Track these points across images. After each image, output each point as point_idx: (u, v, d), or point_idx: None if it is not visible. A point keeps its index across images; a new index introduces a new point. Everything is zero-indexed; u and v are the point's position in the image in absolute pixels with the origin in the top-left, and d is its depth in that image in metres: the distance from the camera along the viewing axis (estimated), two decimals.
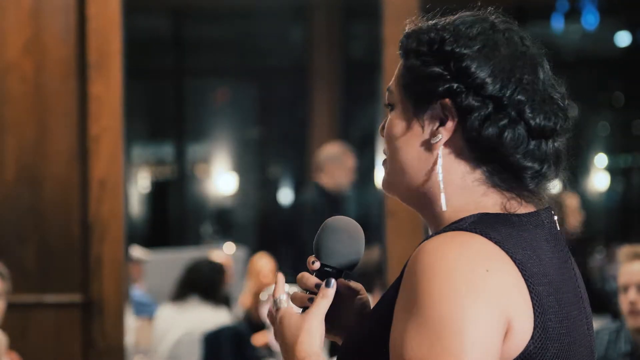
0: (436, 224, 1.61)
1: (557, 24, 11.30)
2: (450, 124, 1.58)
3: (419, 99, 1.60)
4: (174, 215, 12.65)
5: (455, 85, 1.57)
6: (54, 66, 4.76)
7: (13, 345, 4.43)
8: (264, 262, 6.78)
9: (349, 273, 1.71)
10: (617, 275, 4.14)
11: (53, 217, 4.74)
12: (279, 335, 1.64)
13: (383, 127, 1.67)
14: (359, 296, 1.72)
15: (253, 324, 6.22)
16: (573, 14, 11.18)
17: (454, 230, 1.51)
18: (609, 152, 12.62)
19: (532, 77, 1.60)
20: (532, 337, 1.47)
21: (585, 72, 11.92)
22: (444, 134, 1.58)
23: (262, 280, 6.58)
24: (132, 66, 5.04)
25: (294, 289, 4.39)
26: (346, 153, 7.08)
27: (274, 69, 12.18)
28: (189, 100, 12.45)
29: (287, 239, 7.39)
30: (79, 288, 4.70)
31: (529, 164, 1.59)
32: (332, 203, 6.89)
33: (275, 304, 1.66)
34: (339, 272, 1.68)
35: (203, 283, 6.48)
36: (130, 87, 4.91)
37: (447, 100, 1.58)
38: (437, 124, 1.59)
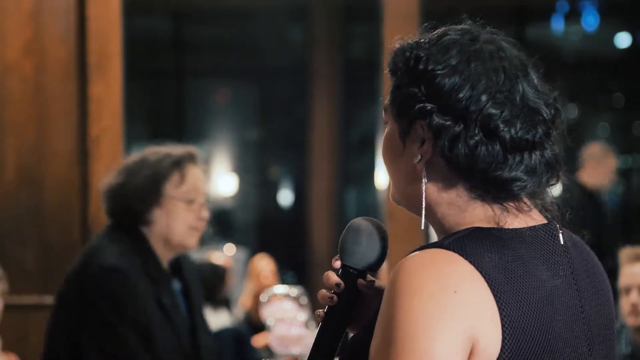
0: (440, 235, 1.64)
1: (558, 25, 11.30)
2: (427, 145, 1.60)
3: (402, 119, 1.63)
4: None
5: (428, 106, 1.59)
6: (54, 67, 4.76)
7: (13, 347, 4.42)
8: (264, 264, 6.78)
9: (372, 273, 1.73)
10: (617, 277, 4.14)
11: (53, 218, 4.73)
12: None
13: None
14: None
15: (253, 325, 6.22)
16: (573, 16, 11.18)
17: (434, 247, 1.54)
18: None
19: (509, 90, 1.59)
20: (500, 355, 1.49)
21: (586, 73, 11.91)
22: (423, 155, 1.60)
23: (262, 281, 6.59)
24: (132, 67, 5.03)
25: (294, 290, 4.35)
26: (608, 153, 7.27)
27: (274, 69, 12.18)
28: (189, 101, 12.45)
29: None
30: None
31: (513, 176, 1.59)
32: (592, 201, 7.03)
33: None
34: (360, 272, 1.70)
35: (204, 286, 6.47)
36: (130, 88, 4.91)
37: (422, 121, 1.59)
38: (418, 144, 1.61)
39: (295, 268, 11.15)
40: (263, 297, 4.33)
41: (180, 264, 3.44)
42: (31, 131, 4.75)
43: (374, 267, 1.71)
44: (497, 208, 1.60)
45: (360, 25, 11.90)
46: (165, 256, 3.35)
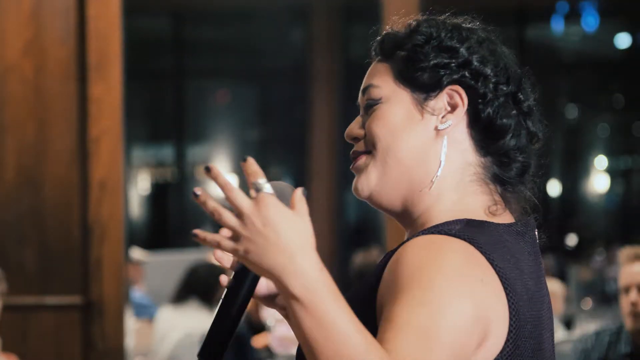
0: (417, 225, 1.59)
1: (557, 26, 11.30)
2: (460, 111, 1.58)
3: (426, 86, 1.60)
4: (173, 217, 12.64)
5: (467, 73, 1.59)
6: (54, 68, 4.76)
7: (13, 347, 4.42)
8: None
9: None
10: (617, 277, 4.14)
11: (53, 218, 4.73)
12: (271, 226, 1.37)
13: (362, 126, 1.63)
14: None
15: (253, 325, 6.22)
16: (573, 16, 11.18)
17: (442, 233, 1.49)
18: (609, 154, 12.62)
19: (521, 75, 1.64)
20: (501, 351, 1.47)
21: (586, 73, 11.92)
22: (453, 120, 1.58)
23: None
24: (132, 68, 5.03)
25: None
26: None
27: (274, 70, 12.18)
28: (189, 102, 12.45)
29: None
30: (79, 290, 4.69)
31: (520, 158, 1.60)
32: None
33: (256, 187, 1.40)
34: None
35: (203, 286, 6.47)
36: (130, 88, 4.91)
37: (458, 86, 1.58)
38: (445, 111, 1.59)
39: None
40: None
41: None
42: (31, 131, 4.75)
43: None
44: (496, 197, 1.59)
45: (360, 25, 11.90)
46: None
